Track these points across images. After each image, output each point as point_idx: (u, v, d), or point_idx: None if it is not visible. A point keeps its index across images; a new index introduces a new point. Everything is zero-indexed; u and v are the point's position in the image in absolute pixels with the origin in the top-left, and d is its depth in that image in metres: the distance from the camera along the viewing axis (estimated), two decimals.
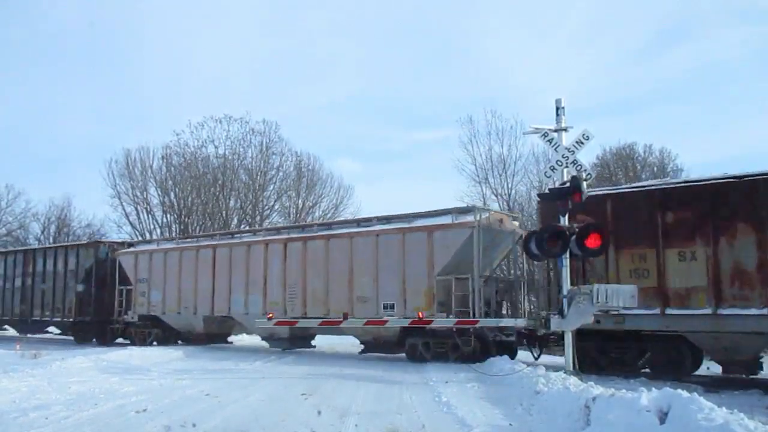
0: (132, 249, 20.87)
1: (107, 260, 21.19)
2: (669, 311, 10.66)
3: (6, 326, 26.23)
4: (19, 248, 29.08)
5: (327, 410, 7.56)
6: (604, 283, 10.14)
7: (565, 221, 9.30)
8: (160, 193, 37.00)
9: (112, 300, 20.50)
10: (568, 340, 9.25)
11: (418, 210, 14.64)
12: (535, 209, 17.62)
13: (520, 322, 12.12)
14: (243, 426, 6.72)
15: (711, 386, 10.04)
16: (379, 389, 9.66)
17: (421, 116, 61.54)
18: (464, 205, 16.11)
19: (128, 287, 20.00)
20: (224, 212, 36.23)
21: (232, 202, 36.96)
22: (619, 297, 8.90)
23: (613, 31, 56.96)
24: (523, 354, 13.73)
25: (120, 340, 20.85)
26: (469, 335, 12.87)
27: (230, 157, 36.96)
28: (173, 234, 33.83)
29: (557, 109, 9.80)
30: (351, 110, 63.83)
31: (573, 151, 9.56)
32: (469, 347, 12.83)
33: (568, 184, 9.24)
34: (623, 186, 15.14)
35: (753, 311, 9.89)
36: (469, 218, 13.27)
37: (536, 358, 12.58)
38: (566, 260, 9.30)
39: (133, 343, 19.14)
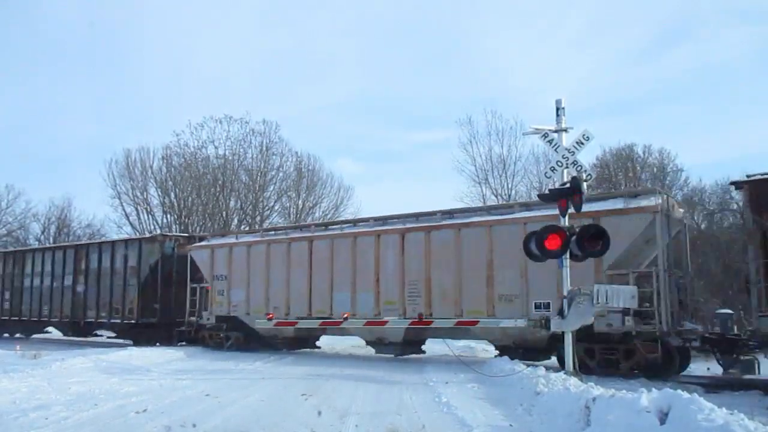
0: (207, 243, 18.65)
1: (173, 255, 19.27)
2: None
3: (49, 329, 24.26)
4: (69, 243, 27.08)
5: (327, 410, 7.57)
6: None
7: (565, 222, 9.30)
8: (160, 193, 37.03)
9: (180, 300, 18.43)
10: (568, 340, 9.25)
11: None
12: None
13: (520, 323, 12.07)
14: (243, 426, 6.72)
15: (711, 387, 10.04)
16: (379, 389, 9.66)
17: (421, 116, 61.58)
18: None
19: (202, 285, 18.03)
20: (224, 213, 36.24)
21: (232, 203, 36.99)
22: (620, 298, 8.91)
23: (613, 32, 57.01)
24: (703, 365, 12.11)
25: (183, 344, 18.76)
26: (652, 339, 10.97)
27: (230, 158, 37.00)
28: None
29: (557, 109, 9.79)
30: (351, 110, 63.86)
31: (573, 151, 9.55)
32: (654, 354, 10.93)
33: (568, 185, 9.24)
34: None
35: None
36: (649, 202, 11.46)
37: (726, 370, 10.82)
38: (566, 260, 9.30)
39: (206, 347, 17.47)
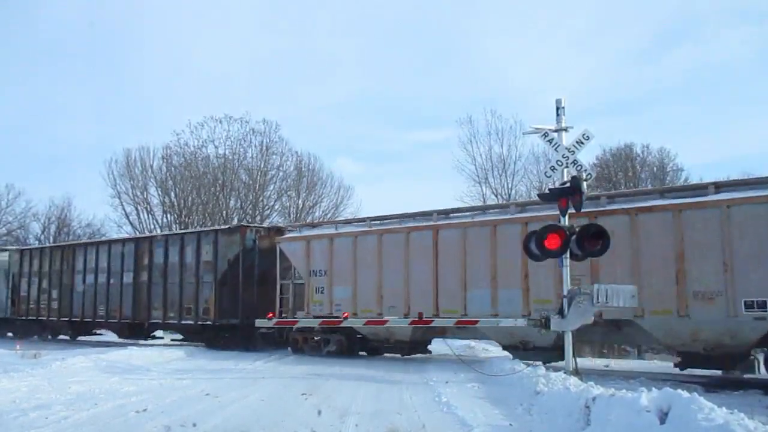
0: (299, 234, 16.42)
1: (254, 248, 17.19)
2: None
3: (101, 330, 22.70)
4: (130, 237, 24.77)
5: (327, 410, 7.56)
6: None
7: (565, 221, 9.30)
8: (160, 192, 37.08)
9: (264, 298, 16.35)
10: (568, 340, 9.25)
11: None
12: None
13: (520, 322, 12.05)
14: (243, 426, 6.72)
15: (711, 386, 10.04)
16: (379, 389, 9.66)
17: (421, 116, 61.54)
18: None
19: (297, 282, 15.95)
20: (224, 212, 36.25)
21: (232, 202, 37.01)
22: (620, 297, 8.90)
23: (613, 32, 56.96)
24: None
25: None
26: None
27: (230, 157, 37.03)
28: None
29: (557, 108, 9.79)
30: (351, 110, 63.82)
31: (573, 151, 9.55)
32: None
33: (568, 184, 9.24)
34: None
35: None
36: None
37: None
38: (566, 260, 9.30)
39: (296, 352, 15.52)
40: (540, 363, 10.48)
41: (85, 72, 65.15)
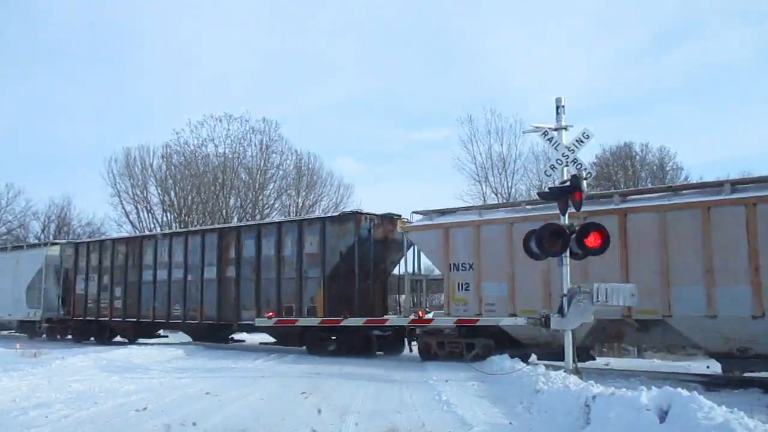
0: (431, 221, 13.88)
1: (369, 239, 15.11)
2: None
3: (163, 332, 20.68)
4: (211, 227, 22.20)
5: (327, 409, 7.57)
6: None
7: (565, 220, 9.30)
8: (160, 191, 37.09)
9: (378, 295, 14.71)
10: (569, 338, 9.25)
11: None
12: None
13: (520, 321, 12.06)
14: (243, 425, 6.72)
15: (711, 385, 10.05)
16: (379, 388, 9.66)
17: (421, 116, 61.59)
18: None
19: (432, 277, 14.37)
20: (224, 211, 36.26)
21: (232, 201, 37.05)
22: (619, 295, 8.90)
23: (613, 32, 56.95)
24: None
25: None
26: None
27: (230, 156, 37.08)
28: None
29: (557, 107, 9.77)
30: (351, 110, 63.89)
31: (573, 149, 9.54)
32: None
33: (568, 183, 9.24)
34: None
35: None
36: None
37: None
38: (566, 259, 9.29)
39: (427, 360, 13.16)
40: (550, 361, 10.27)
41: (85, 72, 65.30)
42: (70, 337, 21.99)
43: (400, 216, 15.93)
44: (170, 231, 24.35)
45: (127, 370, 12.18)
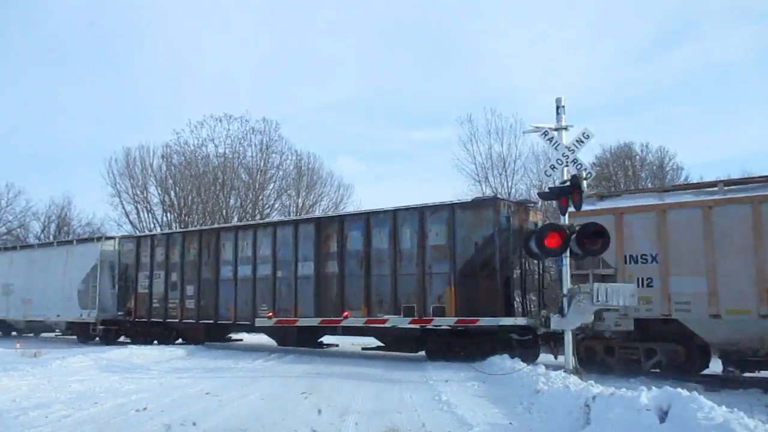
0: (593, 207, 11.70)
1: (509, 228, 12.92)
2: None
3: (235, 335, 18.52)
4: (306, 217, 19.67)
5: (327, 409, 7.57)
6: None
7: (565, 220, 9.31)
8: (160, 191, 37.06)
9: (506, 292, 12.92)
10: (568, 338, 9.25)
11: None
12: None
13: (520, 321, 12.09)
14: (243, 425, 6.72)
15: (711, 385, 10.04)
16: (379, 388, 9.66)
17: (421, 116, 61.58)
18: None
19: (606, 272, 11.46)
20: (224, 211, 36.26)
21: (232, 201, 37.03)
22: (619, 295, 8.90)
23: (613, 32, 56.95)
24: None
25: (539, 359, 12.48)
26: None
27: (230, 156, 37.06)
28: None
29: (557, 107, 9.79)
30: (351, 110, 63.89)
31: (573, 149, 9.55)
32: None
33: (568, 183, 9.24)
34: None
35: None
36: None
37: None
38: (566, 260, 9.30)
39: (590, 367, 10.75)
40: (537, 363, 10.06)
41: (85, 72, 65.27)
42: (128, 340, 19.40)
43: (535, 203, 14.71)
44: (253, 222, 20.76)
45: (127, 370, 12.18)
